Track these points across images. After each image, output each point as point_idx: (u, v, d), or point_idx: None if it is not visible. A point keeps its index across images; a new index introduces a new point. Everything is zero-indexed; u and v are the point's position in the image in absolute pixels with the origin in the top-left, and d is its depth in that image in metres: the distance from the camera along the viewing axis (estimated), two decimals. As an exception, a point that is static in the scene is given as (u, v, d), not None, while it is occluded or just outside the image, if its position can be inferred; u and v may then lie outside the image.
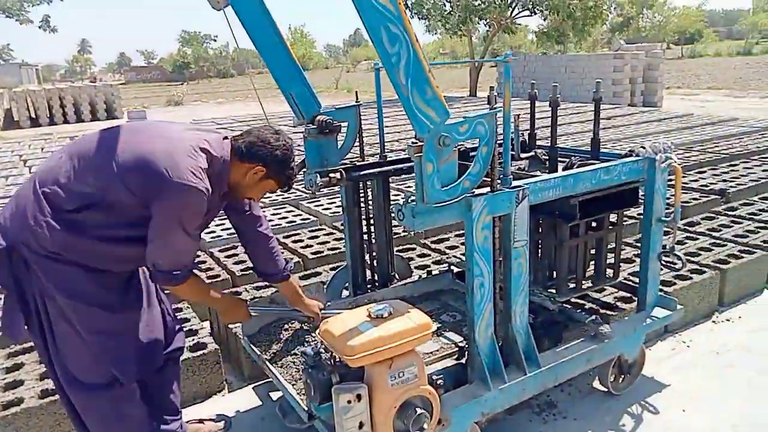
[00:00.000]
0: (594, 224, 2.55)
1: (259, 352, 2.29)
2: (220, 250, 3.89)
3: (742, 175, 5.28)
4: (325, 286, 2.83)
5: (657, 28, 42.94)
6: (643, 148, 2.41)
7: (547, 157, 2.69)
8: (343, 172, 2.50)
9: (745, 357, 2.73)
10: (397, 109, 13.69)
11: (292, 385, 2.10)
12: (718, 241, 3.59)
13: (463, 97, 17.79)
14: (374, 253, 2.82)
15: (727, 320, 3.08)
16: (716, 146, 6.75)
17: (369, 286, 2.83)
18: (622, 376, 2.48)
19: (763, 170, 5.46)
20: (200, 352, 2.61)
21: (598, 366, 2.37)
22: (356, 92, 2.79)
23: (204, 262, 3.68)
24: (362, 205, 2.74)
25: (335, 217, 4.66)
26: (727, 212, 4.19)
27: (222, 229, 4.27)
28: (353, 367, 1.66)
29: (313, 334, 2.40)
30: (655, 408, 2.38)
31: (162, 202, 1.67)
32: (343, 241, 3.97)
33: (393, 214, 1.99)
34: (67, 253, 1.66)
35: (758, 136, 7.44)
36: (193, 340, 2.69)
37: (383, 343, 1.61)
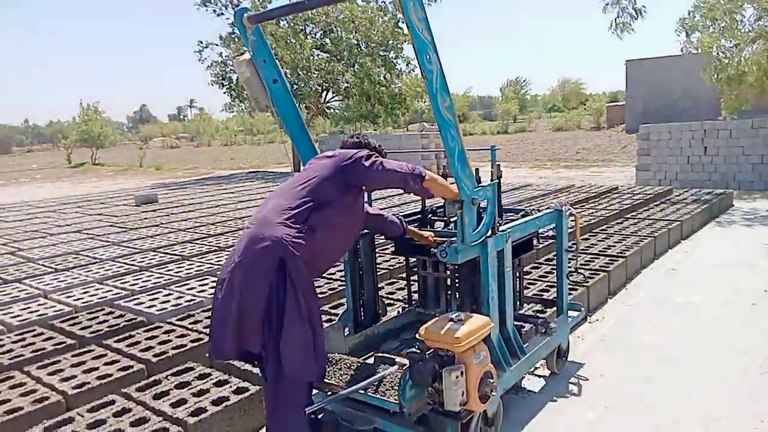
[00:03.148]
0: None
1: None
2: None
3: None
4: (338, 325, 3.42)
5: (434, 111, 50.01)
6: (553, 203, 3.61)
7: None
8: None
9: (616, 342, 4.04)
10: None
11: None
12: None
13: (290, 173, 18.85)
14: (364, 297, 3.53)
15: (597, 320, 4.42)
16: (531, 204, 8.71)
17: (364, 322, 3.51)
18: (560, 360, 3.56)
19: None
20: (243, 396, 3.00)
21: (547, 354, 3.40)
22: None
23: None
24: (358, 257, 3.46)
25: (163, 314, 4.44)
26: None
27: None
28: (453, 355, 2.41)
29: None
30: (585, 377, 3.48)
31: None
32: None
33: (435, 252, 2.77)
34: None
35: (553, 196, 9.71)
36: (233, 386, 3.06)
37: (472, 335, 2.41)
